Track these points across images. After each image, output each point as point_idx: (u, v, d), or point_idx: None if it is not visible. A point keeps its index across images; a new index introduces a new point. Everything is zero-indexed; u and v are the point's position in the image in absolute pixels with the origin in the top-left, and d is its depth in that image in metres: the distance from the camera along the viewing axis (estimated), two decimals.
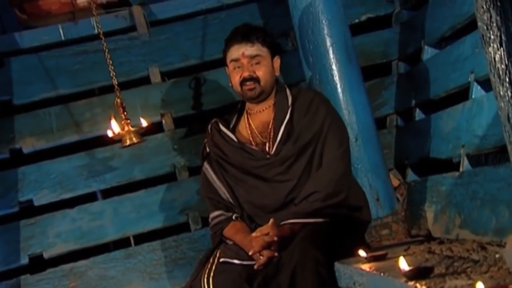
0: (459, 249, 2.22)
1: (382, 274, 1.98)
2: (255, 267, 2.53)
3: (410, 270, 1.82)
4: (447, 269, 1.92)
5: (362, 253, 2.35)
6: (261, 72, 2.72)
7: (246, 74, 2.70)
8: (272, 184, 2.72)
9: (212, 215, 2.80)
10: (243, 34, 2.74)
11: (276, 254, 2.51)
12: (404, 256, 1.95)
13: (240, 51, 2.72)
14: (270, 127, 2.77)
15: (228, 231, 2.72)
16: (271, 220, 2.55)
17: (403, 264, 1.86)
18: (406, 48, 3.59)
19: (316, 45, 3.14)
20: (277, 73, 2.82)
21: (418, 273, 1.81)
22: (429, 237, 2.88)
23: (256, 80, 2.71)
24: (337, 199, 2.65)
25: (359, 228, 2.80)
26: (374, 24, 3.71)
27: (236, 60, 2.73)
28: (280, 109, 2.78)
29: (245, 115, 2.86)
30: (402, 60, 3.68)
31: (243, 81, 2.72)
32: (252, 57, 2.72)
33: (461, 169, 2.70)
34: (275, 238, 2.49)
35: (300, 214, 2.62)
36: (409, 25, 3.57)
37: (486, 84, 2.58)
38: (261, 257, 2.52)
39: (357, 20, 3.68)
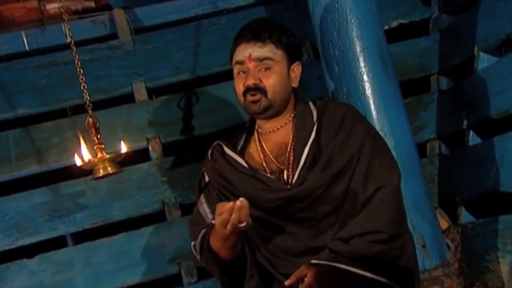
0: None
1: None
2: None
3: None
4: None
5: None
6: (270, 81, 2.34)
7: (250, 82, 2.33)
8: (295, 224, 2.34)
9: (193, 243, 2.44)
10: (253, 31, 2.36)
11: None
12: None
13: (246, 52, 2.35)
14: (288, 149, 2.40)
15: (211, 237, 2.34)
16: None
17: None
18: (449, 59, 3.32)
19: (343, 50, 2.86)
20: (295, 84, 2.42)
21: None
22: None
23: (261, 90, 2.33)
24: (399, 242, 2.28)
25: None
26: (408, 32, 3.49)
27: (240, 62, 2.36)
28: (302, 126, 2.40)
29: (255, 135, 2.50)
30: (444, 74, 3.41)
31: (246, 91, 2.34)
32: (261, 60, 2.34)
33: None
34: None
35: (354, 256, 2.20)
36: (452, 32, 3.31)
37: None
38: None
39: (386, 27, 3.40)
